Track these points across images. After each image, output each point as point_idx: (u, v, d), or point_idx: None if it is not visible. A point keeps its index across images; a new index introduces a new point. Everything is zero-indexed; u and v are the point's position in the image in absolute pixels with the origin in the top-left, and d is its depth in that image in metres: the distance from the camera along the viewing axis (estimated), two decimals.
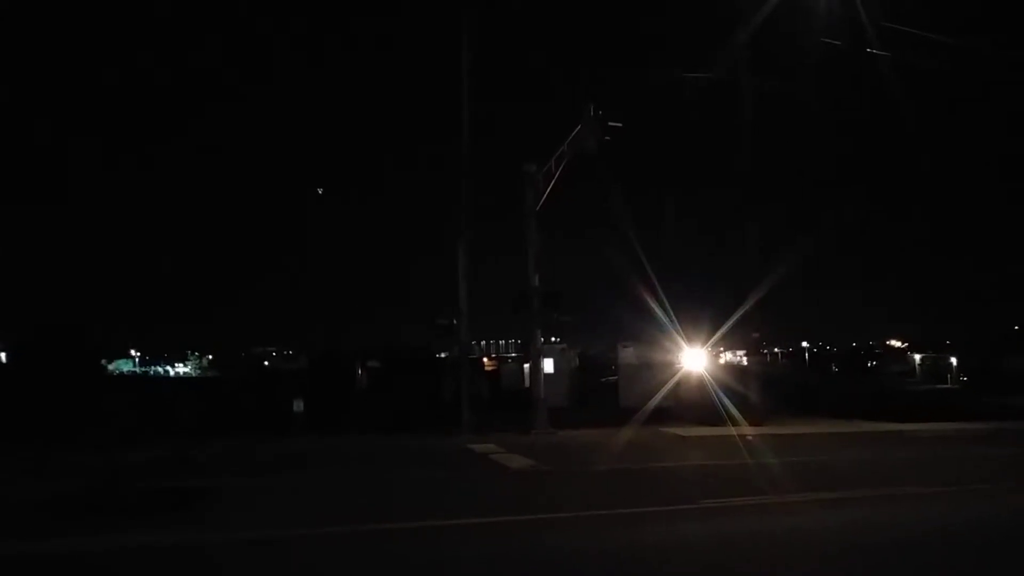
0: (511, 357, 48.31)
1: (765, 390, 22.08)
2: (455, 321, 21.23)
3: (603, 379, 32.09)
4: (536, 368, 20.88)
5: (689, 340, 22.97)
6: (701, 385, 22.40)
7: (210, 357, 77.66)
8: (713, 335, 22.92)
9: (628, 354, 26.88)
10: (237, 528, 8.71)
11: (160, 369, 76.12)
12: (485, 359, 51.07)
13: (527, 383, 23.20)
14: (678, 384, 23.13)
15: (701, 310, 23.62)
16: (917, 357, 52.14)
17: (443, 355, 34.31)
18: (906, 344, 64.88)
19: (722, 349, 38.29)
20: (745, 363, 30.59)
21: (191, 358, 79.74)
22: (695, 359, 23.13)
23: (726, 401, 20.73)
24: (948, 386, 40.87)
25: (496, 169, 26.02)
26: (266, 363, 69.64)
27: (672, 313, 22.28)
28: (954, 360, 44.95)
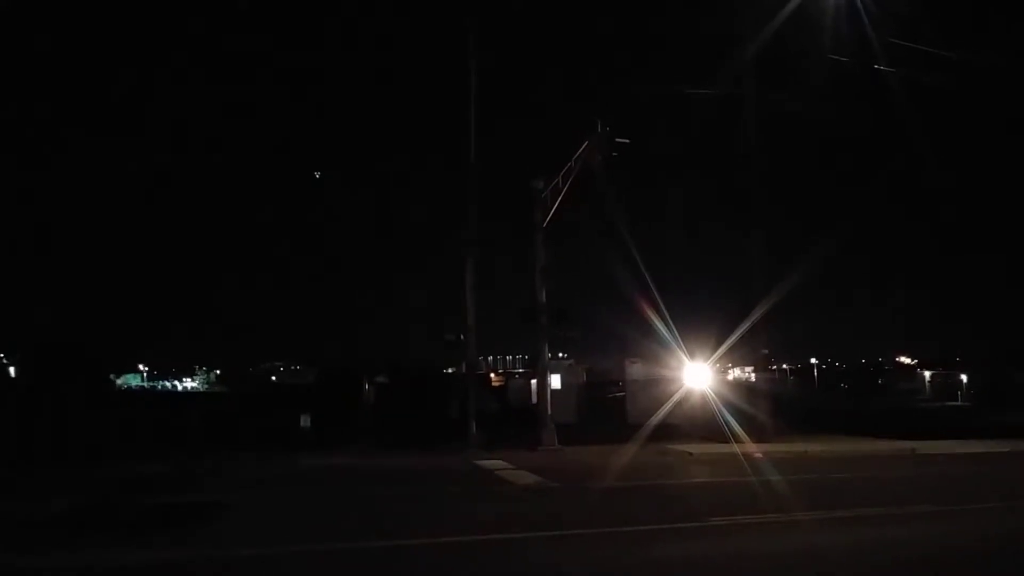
0: (518, 373, 48.23)
1: (773, 407, 21.92)
2: (462, 337, 21.22)
3: (610, 395, 31.98)
4: (543, 384, 20.82)
5: (694, 356, 22.82)
6: (704, 402, 22.30)
7: (218, 372, 77.80)
8: (717, 351, 22.78)
9: (636, 370, 26.81)
10: (237, 545, 8.68)
11: (168, 384, 76.28)
12: (492, 374, 50.96)
13: (534, 399, 23.13)
14: (682, 401, 23.02)
15: (707, 325, 23.52)
16: (927, 374, 51.81)
17: (450, 371, 34.29)
18: (916, 361, 64.48)
19: (730, 365, 38.11)
20: (753, 379, 30.45)
21: (199, 373, 79.91)
22: (697, 376, 22.99)
23: (729, 418, 20.61)
24: (958, 403, 40.58)
25: (504, 183, 26.05)
26: (273, 378, 69.75)
27: (676, 329, 22.16)
28: (964, 377, 44.63)
